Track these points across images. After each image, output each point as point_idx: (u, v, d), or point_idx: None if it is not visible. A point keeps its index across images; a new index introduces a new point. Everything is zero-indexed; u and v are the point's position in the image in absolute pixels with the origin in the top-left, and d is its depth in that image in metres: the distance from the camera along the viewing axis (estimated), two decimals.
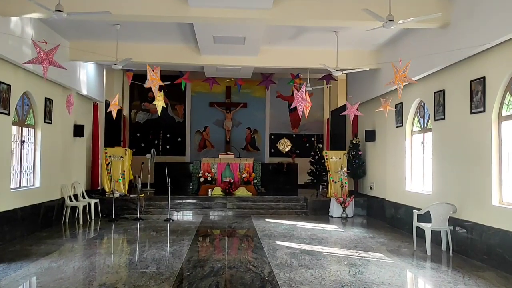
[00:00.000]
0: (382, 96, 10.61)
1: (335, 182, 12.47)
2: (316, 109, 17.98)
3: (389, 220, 10.52)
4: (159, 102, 8.81)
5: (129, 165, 12.36)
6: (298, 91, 8.97)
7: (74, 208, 10.61)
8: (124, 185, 12.16)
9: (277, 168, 16.58)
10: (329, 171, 12.53)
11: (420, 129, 9.35)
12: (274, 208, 12.38)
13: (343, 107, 15.03)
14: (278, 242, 8.23)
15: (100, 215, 11.44)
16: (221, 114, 17.69)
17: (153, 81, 8.08)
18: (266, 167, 15.56)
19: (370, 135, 11.80)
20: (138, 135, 17.58)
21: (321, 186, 13.39)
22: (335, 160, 12.58)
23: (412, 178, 9.56)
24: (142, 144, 17.36)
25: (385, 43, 10.03)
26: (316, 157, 12.87)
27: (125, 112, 17.24)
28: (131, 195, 12.08)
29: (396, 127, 10.21)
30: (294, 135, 18.03)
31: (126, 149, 12.19)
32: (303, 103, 8.25)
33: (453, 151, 7.68)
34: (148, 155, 14.61)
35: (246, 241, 8.77)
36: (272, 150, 17.91)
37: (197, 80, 17.28)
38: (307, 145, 18.02)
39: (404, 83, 6.70)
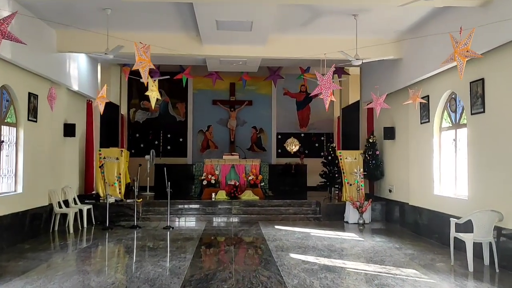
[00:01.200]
0: (409, 87, 9.53)
1: (350, 185, 11.42)
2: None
3: (413, 227, 9.45)
4: (153, 93, 7.70)
5: (125, 167, 11.34)
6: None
7: (64, 216, 9.59)
8: (120, 189, 11.15)
9: (284, 170, 15.58)
10: (343, 173, 11.47)
11: (451, 125, 8.28)
12: (284, 214, 11.33)
13: (356, 104, 14.02)
14: (292, 255, 7.18)
15: (94, 223, 10.42)
16: (225, 113, 16.67)
17: (142, 63, 6.96)
18: (273, 168, 14.52)
19: (389, 133, 10.73)
20: (137, 135, 16.56)
21: (332, 189, 12.32)
22: (350, 161, 11.52)
23: (441, 180, 8.48)
24: (142, 145, 16.35)
25: (408, 29, 8.96)
26: (329, 158, 11.79)
27: (123, 111, 16.24)
28: (128, 200, 11.05)
29: (421, 123, 9.14)
30: (302, 135, 16.97)
31: (122, 150, 11.18)
32: (330, 89, 6.95)
33: (495, 148, 6.62)
34: (147, 157, 13.59)
35: (256, 254, 7.71)
36: (279, 151, 16.86)
37: (199, 76, 16.30)
38: (316, 144, 16.97)
39: (467, 58, 5.49)
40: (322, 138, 17.00)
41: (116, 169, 11.12)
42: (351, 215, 10.73)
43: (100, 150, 11.16)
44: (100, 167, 10.63)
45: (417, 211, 9.27)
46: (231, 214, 11.27)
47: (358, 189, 10.93)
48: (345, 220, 10.94)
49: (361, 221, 10.53)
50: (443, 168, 8.47)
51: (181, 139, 16.63)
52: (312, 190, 15.23)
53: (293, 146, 16.86)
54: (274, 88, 16.65)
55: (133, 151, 16.29)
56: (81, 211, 10.02)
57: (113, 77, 14.98)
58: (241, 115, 16.70)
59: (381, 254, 7.33)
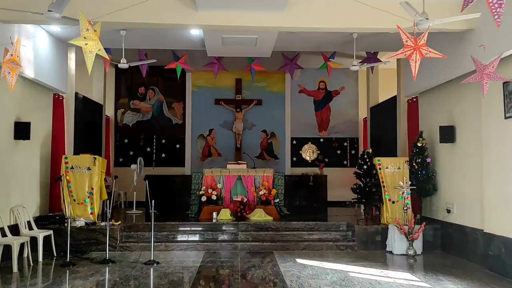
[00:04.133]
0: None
1: (393, 202, 8.75)
2: (349, 106, 14.34)
3: (493, 264, 6.74)
4: (89, 44, 5.20)
5: (101, 180, 8.73)
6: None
7: (9, 247, 6.99)
8: (92, 208, 8.53)
9: (301, 182, 13.02)
10: (383, 187, 8.81)
11: None
12: (306, 240, 8.66)
13: (390, 102, 11.39)
14: None
15: (55, 254, 7.83)
16: (229, 114, 14.07)
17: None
18: (287, 180, 11.91)
19: (447, 134, 8.06)
20: (126, 140, 13.99)
21: (366, 208, 9.64)
22: (392, 171, 8.85)
23: None
24: (131, 152, 13.77)
25: None
26: (365, 167, 9.10)
27: (109, 112, 13.71)
28: (103, 223, 8.43)
29: (505, 117, 6.46)
30: (321, 140, 14.32)
31: (95, 158, 8.58)
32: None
33: None
34: (133, 166, 10.99)
35: None
36: (294, 159, 14.21)
37: (199, 71, 13.79)
38: (338, 151, 14.30)
39: None
40: (345, 143, 14.33)
41: (87, 183, 8.52)
42: (396, 243, 8.05)
43: (65, 158, 8.56)
44: (56, 180, 8.01)
45: (499, 242, 6.58)
46: (237, 240, 8.63)
47: (404, 208, 8.24)
48: (388, 249, 8.28)
49: (411, 252, 7.87)
50: None
51: (178, 146, 14.04)
52: (333, 205, 12.82)
53: (310, 153, 14.23)
54: (289, 84, 14.09)
55: (120, 159, 13.78)
56: (34, 239, 7.43)
57: (96, 71, 12.45)
58: (249, 117, 14.11)
59: None
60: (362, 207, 10.77)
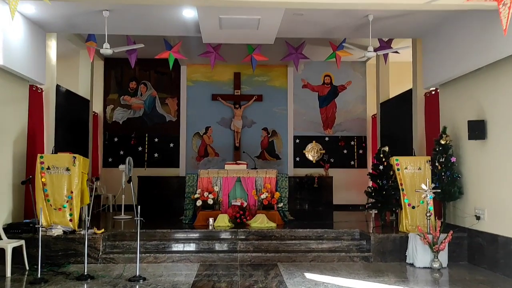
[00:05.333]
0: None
1: (413, 207, 7.74)
2: (356, 102, 13.36)
3: None
4: None
5: (82, 182, 7.68)
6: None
7: None
8: (71, 214, 7.49)
9: (305, 184, 12.21)
10: (402, 190, 7.80)
11: None
12: (315, 251, 7.64)
13: (401, 97, 10.43)
14: None
15: (27, 268, 6.79)
16: (228, 111, 13.08)
17: None
18: (289, 181, 10.95)
19: (477, 129, 7.05)
20: (116, 139, 12.96)
21: (372, 211, 8.62)
22: (412, 172, 7.85)
23: None
24: (121, 152, 12.74)
25: None
26: (381, 167, 8.07)
27: (97, 108, 12.68)
28: (83, 231, 7.37)
29: None
30: (327, 138, 13.33)
31: (74, 157, 7.53)
32: None
33: None
34: (121, 166, 9.95)
35: None
36: (298, 159, 13.22)
37: (195, 65, 12.81)
38: (345, 151, 13.30)
39: None
40: (352, 142, 13.34)
41: (66, 185, 7.48)
42: (419, 254, 7.04)
43: (41, 157, 7.51)
44: (23, 182, 6.95)
45: None
46: (236, 250, 7.60)
47: (427, 214, 7.22)
48: (408, 261, 7.27)
49: (436, 265, 6.87)
50: None
51: (171, 145, 13.03)
52: (339, 209, 11.98)
53: (315, 153, 13.24)
54: (291, 79, 13.11)
55: (110, 159, 12.75)
56: (2, 251, 6.40)
57: (81, 63, 11.46)
58: (249, 114, 13.12)
59: None
60: (374, 212, 9.82)
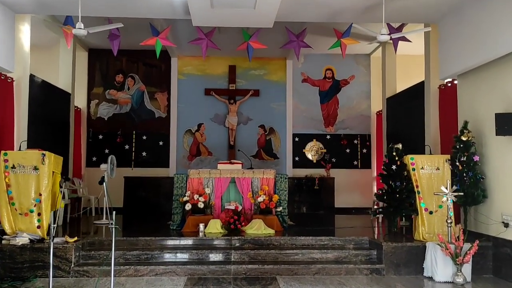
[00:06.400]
0: None
1: (431, 213, 6.82)
2: (360, 98, 12.48)
3: None
4: None
5: (53, 183, 6.71)
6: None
7: None
8: (40, 220, 6.52)
9: (304, 185, 11.45)
10: (417, 192, 6.88)
11: None
12: (319, 262, 6.70)
13: (411, 91, 9.55)
14: None
15: None
16: (222, 106, 12.17)
17: None
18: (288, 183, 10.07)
19: (507, 124, 6.14)
20: (100, 136, 12.00)
21: (396, 219, 7.69)
22: (429, 172, 6.93)
23: None
24: (106, 150, 11.77)
25: None
26: (394, 167, 7.14)
27: (80, 102, 11.72)
28: (56, 240, 6.39)
29: None
30: (328, 136, 12.44)
31: (43, 154, 6.55)
32: None
33: None
34: (103, 166, 8.95)
35: None
36: (297, 158, 12.33)
37: (186, 57, 11.90)
38: (348, 150, 12.41)
39: None
40: (355, 141, 12.44)
41: (33, 187, 6.51)
42: (440, 267, 6.12)
43: (5, 154, 6.54)
44: None
45: None
46: (230, 262, 6.65)
47: (448, 221, 6.30)
48: (426, 274, 6.35)
49: (459, 280, 5.95)
50: None
51: (161, 143, 12.09)
52: (342, 213, 11.26)
53: (315, 152, 12.34)
54: (290, 72, 12.24)
55: (94, 158, 11.80)
56: None
57: (62, 52, 10.50)
58: (244, 110, 12.21)
59: None
60: (380, 216, 8.91)
